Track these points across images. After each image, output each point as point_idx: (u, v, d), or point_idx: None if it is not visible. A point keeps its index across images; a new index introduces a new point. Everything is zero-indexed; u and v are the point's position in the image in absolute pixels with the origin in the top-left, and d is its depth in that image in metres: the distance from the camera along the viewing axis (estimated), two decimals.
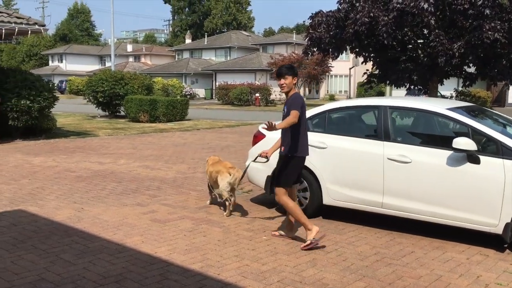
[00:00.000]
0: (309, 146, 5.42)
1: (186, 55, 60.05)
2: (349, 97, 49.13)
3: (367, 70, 15.54)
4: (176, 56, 62.78)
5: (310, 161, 5.96)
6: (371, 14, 12.00)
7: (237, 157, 11.42)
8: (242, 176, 6.19)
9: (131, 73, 24.03)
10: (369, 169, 5.64)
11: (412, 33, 12.95)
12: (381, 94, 43.60)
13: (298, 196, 6.18)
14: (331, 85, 50.68)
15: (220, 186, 6.29)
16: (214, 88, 49.50)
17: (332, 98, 50.08)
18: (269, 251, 5.05)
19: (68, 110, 26.37)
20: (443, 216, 5.23)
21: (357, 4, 12.38)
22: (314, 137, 6.04)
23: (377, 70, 14.68)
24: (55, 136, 14.60)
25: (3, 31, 11.50)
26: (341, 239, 5.45)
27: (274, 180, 5.39)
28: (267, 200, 7.22)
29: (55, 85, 14.06)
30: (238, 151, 12.37)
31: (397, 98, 6.64)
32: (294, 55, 38.89)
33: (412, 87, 14.48)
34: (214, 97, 49.13)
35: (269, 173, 6.37)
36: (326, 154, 5.93)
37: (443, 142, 5.38)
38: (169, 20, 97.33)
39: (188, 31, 71.35)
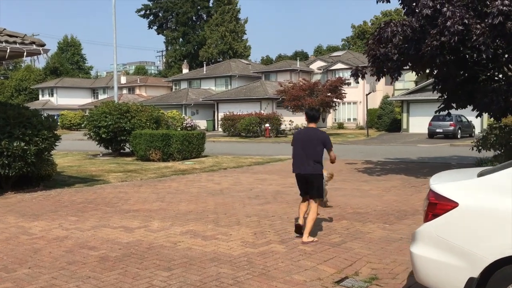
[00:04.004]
0: None
1: (184, 85, 57.54)
2: (359, 125, 46.66)
3: (440, 94, 12.79)
4: (173, 87, 60.25)
5: None
6: (465, 21, 9.42)
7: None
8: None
9: (137, 105, 21.23)
10: None
11: (505, 44, 10.34)
12: (396, 121, 41.21)
13: None
14: (339, 113, 48.25)
15: None
16: (216, 118, 46.83)
17: (341, 126, 47.63)
18: None
19: (63, 147, 23.32)
20: None
21: (444, 9, 9.78)
22: None
23: (456, 93, 12.01)
24: (55, 184, 11.65)
25: None
26: None
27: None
28: None
29: (55, 120, 11.16)
30: (299, 201, 9.48)
31: None
32: (304, 81, 36.41)
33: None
34: (216, 129, 46.43)
35: (475, 274, 3.52)
36: None
37: None
38: (162, 51, 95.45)
39: (185, 60, 69.14)
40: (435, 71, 11.79)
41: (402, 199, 9.60)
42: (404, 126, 39.43)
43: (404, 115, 39.60)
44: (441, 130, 31.47)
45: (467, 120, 32.40)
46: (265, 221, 7.74)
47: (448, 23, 9.44)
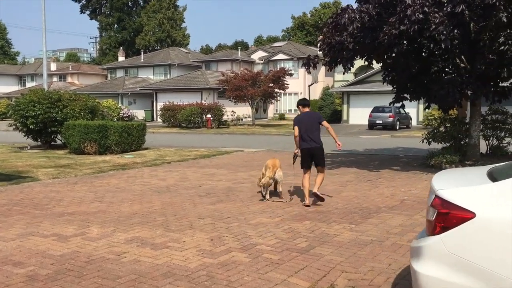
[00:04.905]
0: None
1: (120, 73, 55.03)
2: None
3: (391, 86, 12.49)
4: (109, 75, 57.54)
5: None
6: (426, 9, 9.04)
7: (263, 209, 7.80)
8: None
9: (70, 93, 19.61)
10: None
11: (459, 35, 10.10)
12: (336, 112, 41.55)
13: None
14: (280, 104, 48.11)
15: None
16: (155, 109, 45.16)
17: (282, 117, 47.50)
18: None
19: None
20: None
21: None
22: None
23: (409, 85, 11.72)
24: None
25: None
26: None
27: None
28: None
29: None
30: (254, 198, 8.78)
31: None
32: (247, 71, 35.72)
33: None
34: (155, 119, 44.81)
35: None
36: None
37: None
38: (96, 38, 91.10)
39: (121, 48, 66.21)
40: (389, 61, 11.44)
41: (361, 195, 9.15)
42: (345, 117, 39.84)
43: (345, 106, 40.02)
44: (380, 122, 31.95)
45: (405, 112, 33.08)
46: (221, 224, 6.96)
47: (409, 11, 9.04)
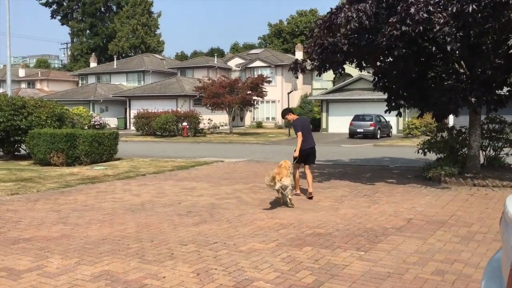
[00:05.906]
0: None
1: (91, 80, 53.23)
2: (278, 124, 45.90)
3: (382, 92, 11.64)
4: (80, 82, 55.65)
5: None
6: (430, 8, 8.21)
7: (254, 231, 6.74)
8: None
9: (36, 100, 18.22)
10: None
11: (461, 37, 9.32)
12: (315, 121, 40.84)
13: None
14: (258, 112, 47.18)
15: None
16: (128, 116, 43.65)
17: (259, 125, 46.61)
18: None
19: None
20: None
21: None
22: None
23: (402, 92, 10.88)
24: None
25: None
26: None
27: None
28: None
29: None
30: (242, 218, 7.73)
31: None
32: (224, 78, 34.70)
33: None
34: (128, 127, 43.30)
35: None
36: None
37: None
38: (67, 43, 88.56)
39: (93, 53, 64.31)
40: (384, 66, 10.61)
41: (361, 213, 8.21)
42: (324, 125, 39.20)
43: (324, 114, 39.40)
44: (361, 130, 31.35)
45: (385, 120, 32.67)
46: (207, 252, 5.89)
47: (412, 10, 8.20)
